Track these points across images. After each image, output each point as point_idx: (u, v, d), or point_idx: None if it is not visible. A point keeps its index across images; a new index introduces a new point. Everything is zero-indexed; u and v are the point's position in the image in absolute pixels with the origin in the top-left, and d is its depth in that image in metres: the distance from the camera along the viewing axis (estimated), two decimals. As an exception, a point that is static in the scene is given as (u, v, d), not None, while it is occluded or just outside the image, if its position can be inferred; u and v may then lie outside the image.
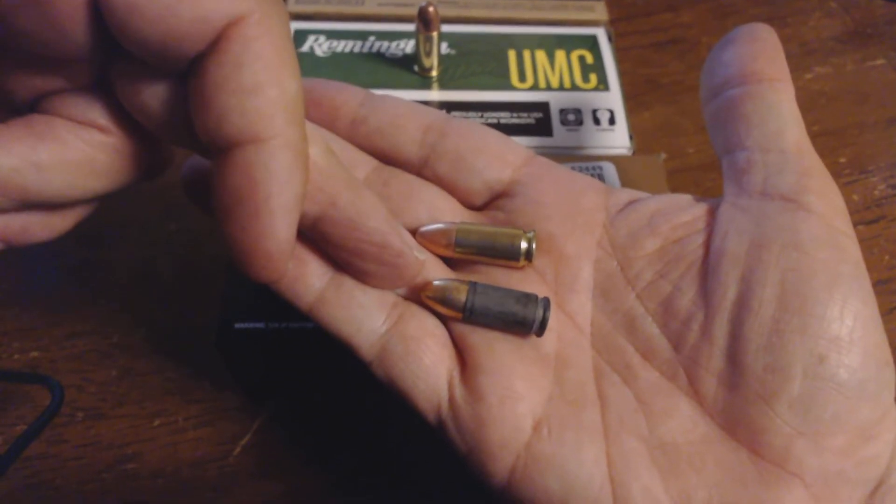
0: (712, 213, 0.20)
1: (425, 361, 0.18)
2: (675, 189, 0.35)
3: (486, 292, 0.19)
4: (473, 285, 0.19)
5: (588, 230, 0.20)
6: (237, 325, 0.23)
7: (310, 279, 0.18)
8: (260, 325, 0.23)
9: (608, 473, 0.17)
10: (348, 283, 0.19)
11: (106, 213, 0.34)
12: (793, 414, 0.17)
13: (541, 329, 0.18)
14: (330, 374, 0.26)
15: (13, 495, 0.26)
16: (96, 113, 0.15)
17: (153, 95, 0.15)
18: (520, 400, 0.18)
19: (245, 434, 0.27)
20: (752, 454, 0.17)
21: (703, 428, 0.18)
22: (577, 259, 0.20)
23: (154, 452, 0.27)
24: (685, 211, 0.20)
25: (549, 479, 0.17)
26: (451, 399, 0.18)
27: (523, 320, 0.18)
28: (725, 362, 0.18)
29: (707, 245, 0.19)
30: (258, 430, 0.27)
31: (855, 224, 0.34)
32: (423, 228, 0.20)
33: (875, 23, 0.43)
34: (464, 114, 0.30)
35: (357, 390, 0.26)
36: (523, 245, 0.19)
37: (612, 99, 0.31)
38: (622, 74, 0.39)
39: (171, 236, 0.32)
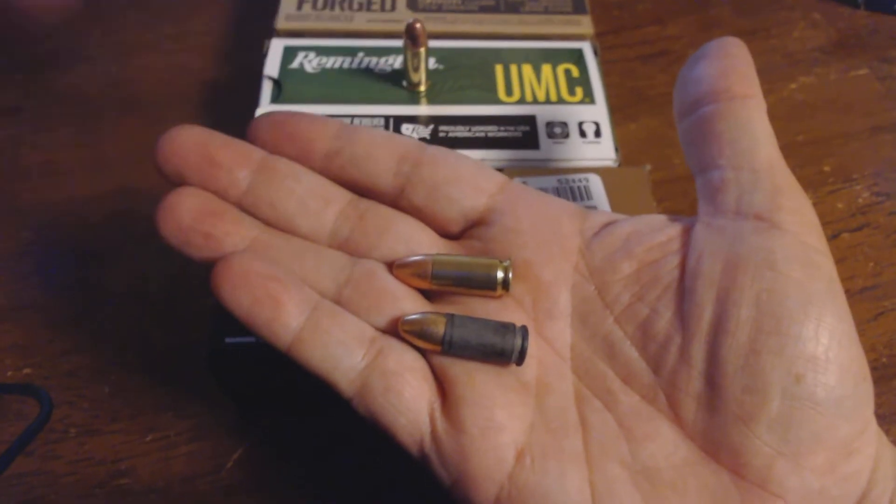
0: (687, 233, 0.19)
1: (405, 396, 0.18)
2: (660, 199, 0.35)
3: (465, 324, 0.19)
4: (451, 317, 0.19)
5: (564, 256, 0.20)
6: (228, 340, 0.23)
7: (286, 319, 0.19)
8: (251, 339, 0.23)
9: (592, 500, 0.17)
10: (325, 322, 0.19)
11: (100, 231, 0.34)
12: (772, 434, 0.17)
13: (520, 358, 0.18)
14: (321, 389, 0.26)
15: (6, 512, 0.26)
16: None
17: None
18: (501, 430, 0.18)
19: (237, 448, 0.27)
20: (734, 476, 0.17)
21: (684, 451, 0.18)
22: (554, 285, 0.20)
23: (147, 468, 0.27)
24: (660, 232, 0.20)
25: None
26: (434, 432, 0.18)
27: (502, 350, 0.18)
28: (704, 384, 0.18)
29: (682, 266, 0.19)
30: (250, 444, 0.28)
31: (839, 232, 0.34)
32: (400, 261, 0.20)
33: (858, 33, 0.43)
34: (452, 128, 0.31)
35: (349, 405, 0.26)
36: (499, 275, 0.19)
37: (598, 112, 0.31)
38: (609, 87, 0.39)
39: (162, 253, 0.32)
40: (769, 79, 0.41)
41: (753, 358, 0.17)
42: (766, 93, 0.38)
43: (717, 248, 0.18)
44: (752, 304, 0.17)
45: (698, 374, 0.18)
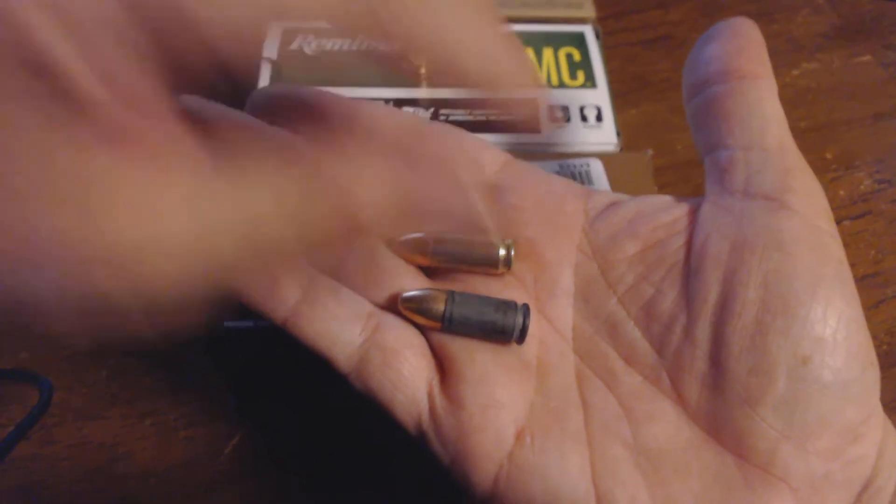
0: (693, 214, 0.19)
1: (404, 373, 0.18)
2: (663, 185, 0.35)
3: (465, 301, 0.18)
4: (452, 294, 0.19)
5: (567, 235, 0.20)
6: (227, 324, 0.23)
7: (284, 293, 0.18)
8: (249, 323, 0.23)
9: (592, 481, 0.17)
10: (323, 296, 0.19)
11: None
12: (777, 417, 0.16)
13: (521, 336, 0.18)
14: (320, 372, 0.26)
15: (4, 496, 0.26)
16: None
17: None
18: (502, 408, 0.18)
19: (236, 434, 0.27)
20: (738, 458, 0.17)
21: (687, 432, 0.17)
22: (556, 264, 0.20)
23: (145, 452, 0.27)
24: (666, 212, 0.20)
25: (532, 487, 0.17)
26: (432, 409, 0.18)
27: (503, 328, 0.18)
28: (708, 365, 0.17)
29: (688, 246, 0.19)
30: (249, 429, 0.27)
31: (841, 219, 0.34)
32: (401, 238, 0.20)
33: (862, 19, 0.43)
34: (452, 111, 0.30)
35: (349, 388, 0.26)
36: (501, 252, 0.19)
37: (600, 96, 0.31)
38: (611, 72, 0.39)
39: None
40: (772, 64, 0.40)
41: (759, 339, 0.17)
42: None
43: (724, 228, 0.18)
44: (760, 284, 0.17)
45: (703, 354, 0.18)
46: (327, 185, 0.14)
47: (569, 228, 0.20)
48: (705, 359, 0.17)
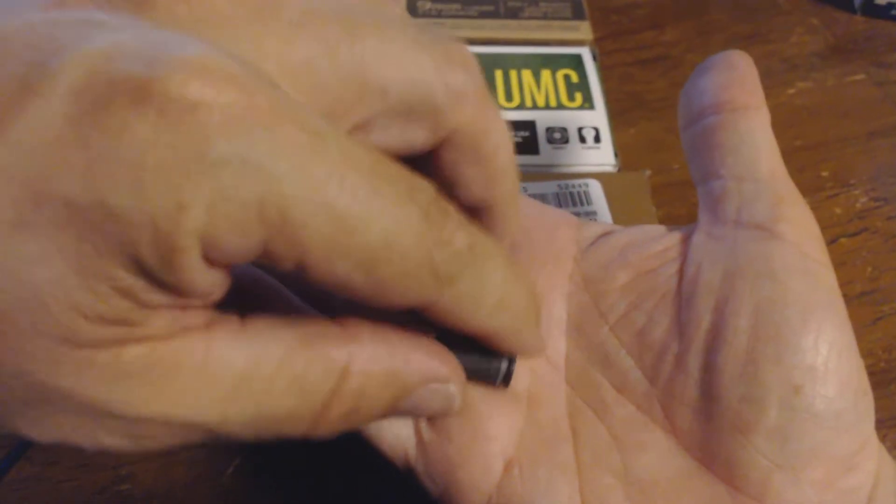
0: (685, 242, 0.19)
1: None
2: (661, 205, 0.35)
3: (450, 344, 0.17)
4: (436, 337, 0.18)
5: (559, 265, 0.20)
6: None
7: None
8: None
9: None
10: None
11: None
12: (770, 446, 0.16)
13: (505, 381, 0.18)
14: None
15: (7, 518, 0.26)
16: None
17: None
18: (490, 441, 0.18)
19: (237, 455, 0.27)
20: (730, 488, 0.17)
21: (679, 461, 0.17)
22: (549, 294, 0.20)
23: (147, 473, 0.27)
24: (657, 241, 0.20)
25: None
26: (420, 442, 0.18)
27: (487, 372, 0.18)
28: (700, 393, 0.17)
29: (681, 275, 0.19)
30: (251, 450, 0.27)
31: (837, 237, 0.34)
32: None
33: (855, 38, 0.44)
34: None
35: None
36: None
37: (597, 117, 0.32)
38: (608, 92, 0.39)
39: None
40: (766, 84, 0.40)
41: (751, 367, 0.17)
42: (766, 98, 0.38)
43: (716, 256, 0.18)
44: (751, 312, 0.17)
45: (695, 382, 0.17)
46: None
47: (561, 259, 0.20)
48: (697, 387, 0.17)
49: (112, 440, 0.13)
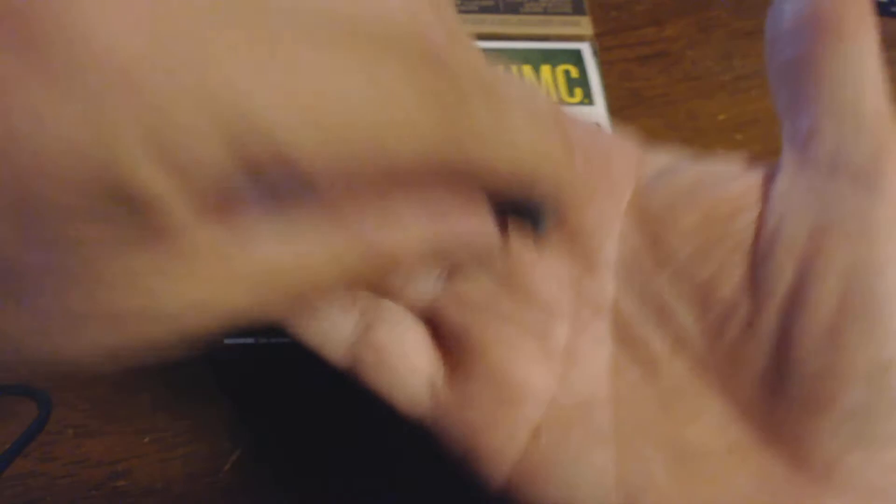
0: (767, 186, 0.17)
1: (400, 371, 0.17)
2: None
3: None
4: None
5: (613, 198, 0.18)
6: (227, 341, 0.23)
7: None
8: (250, 340, 0.23)
9: (617, 481, 0.16)
10: None
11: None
12: (848, 426, 0.14)
13: (540, 227, 0.16)
14: (322, 388, 0.26)
15: (2, 514, 0.26)
16: None
17: None
18: (515, 405, 0.16)
19: (235, 451, 0.27)
20: (791, 467, 0.15)
21: (734, 435, 0.16)
22: (597, 232, 0.18)
23: (144, 469, 0.27)
24: (735, 181, 0.17)
25: (549, 486, 0.16)
26: (437, 405, 0.17)
27: (525, 214, 0.16)
28: (771, 362, 0.15)
29: (759, 225, 0.16)
30: (249, 445, 0.27)
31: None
32: None
33: (855, 35, 0.44)
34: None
35: (350, 403, 0.26)
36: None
37: (597, 113, 0.31)
38: (607, 88, 0.39)
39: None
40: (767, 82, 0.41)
41: (835, 338, 0.14)
42: (766, 96, 0.38)
43: (803, 209, 0.15)
44: (840, 276, 0.15)
45: (765, 349, 0.15)
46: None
47: (615, 190, 0.18)
48: (767, 354, 0.15)
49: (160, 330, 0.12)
